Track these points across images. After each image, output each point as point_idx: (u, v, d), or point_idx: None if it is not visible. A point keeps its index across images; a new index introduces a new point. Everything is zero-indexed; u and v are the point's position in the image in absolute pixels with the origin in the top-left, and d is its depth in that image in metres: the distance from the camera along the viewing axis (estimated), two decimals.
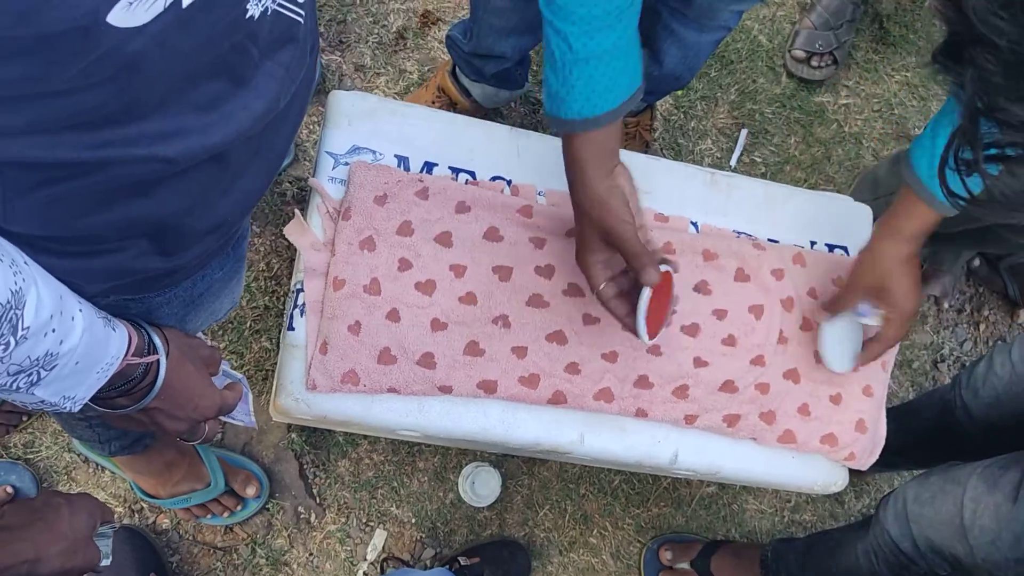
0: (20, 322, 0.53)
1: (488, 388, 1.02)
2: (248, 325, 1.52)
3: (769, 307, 1.11)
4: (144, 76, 0.49)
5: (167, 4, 0.46)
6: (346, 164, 1.05)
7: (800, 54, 1.82)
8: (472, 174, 1.09)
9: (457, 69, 1.52)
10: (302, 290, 1.01)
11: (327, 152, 1.05)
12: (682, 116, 1.78)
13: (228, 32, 0.54)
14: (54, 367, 0.58)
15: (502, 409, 1.05)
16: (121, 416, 0.73)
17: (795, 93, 1.85)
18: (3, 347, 0.53)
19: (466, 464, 1.54)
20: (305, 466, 1.50)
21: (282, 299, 1.54)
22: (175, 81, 0.52)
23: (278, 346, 1.40)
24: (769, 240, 1.17)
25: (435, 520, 1.53)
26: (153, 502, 1.39)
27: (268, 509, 1.47)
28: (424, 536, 1.52)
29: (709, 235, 1.13)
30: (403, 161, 1.07)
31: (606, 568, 1.58)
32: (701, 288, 1.10)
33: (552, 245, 1.07)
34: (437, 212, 1.04)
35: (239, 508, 1.42)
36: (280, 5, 0.59)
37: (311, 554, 1.47)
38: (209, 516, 1.41)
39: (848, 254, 1.20)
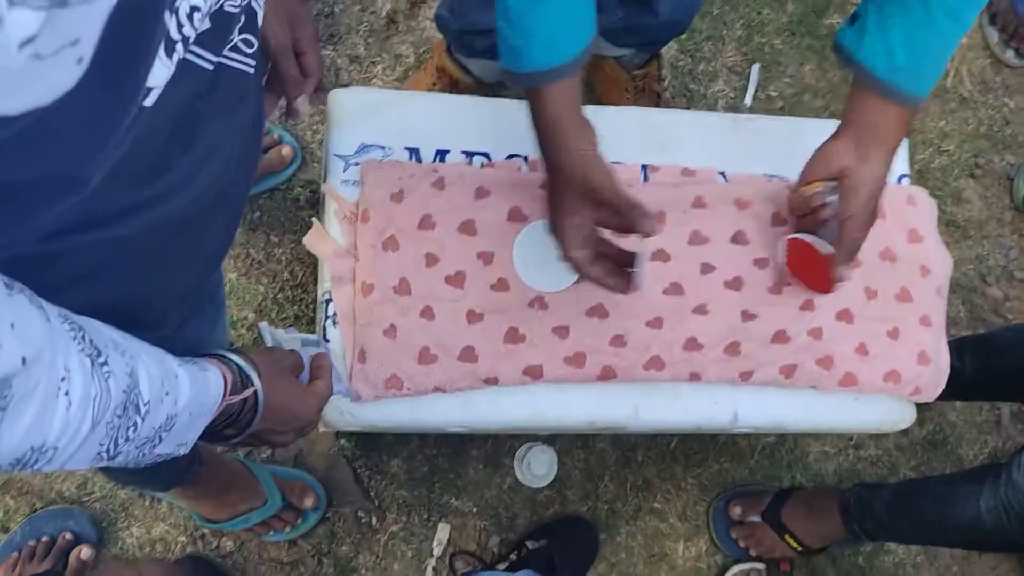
0: (140, 399, 0.52)
1: (534, 374, 0.99)
2: None
3: None
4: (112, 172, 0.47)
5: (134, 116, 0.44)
6: (356, 164, 1.01)
7: None
8: (487, 155, 1.05)
9: (451, 47, 1.47)
10: (331, 300, 0.98)
11: (335, 155, 1.02)
12: (690, 60, 1.72)
13: (187, 102, 0.51)
14: (173, 426, 0.57)
15: (551, 392, 1.02)
16: (233, 444, 0.73)
17: (803, 19, 1.78)
18: (132, 428, 0.52)
19: (519, 446, 1.52)
20: (359, 470, 1.48)
21: (310, 306, 1.51)
22: (136, 161, 0.49)
23: None
24: None
25: (496, 506, 1.51)
26: (214, 527, 1.38)
27: (328, 518, 1.46)
28: (487, 524, 1.50)
29: (740, 183, 1.09)
30: (414, 153, 1.03)
31: (675, 531, 1.55)
32: (739, 239, 1.06)
33: None
34: (457, 201, 1.00)
35: (299, 521, 1.41)
36: (228, 56, 0.56)
37: (377, 557, 1.46)
38: (271, 533, 1.40)
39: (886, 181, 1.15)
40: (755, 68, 1.73)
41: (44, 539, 1.33)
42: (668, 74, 1.69)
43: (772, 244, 1.06)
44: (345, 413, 0.97)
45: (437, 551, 1.48)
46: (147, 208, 0.54)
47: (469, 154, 1.04)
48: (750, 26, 1.75)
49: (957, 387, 1.24)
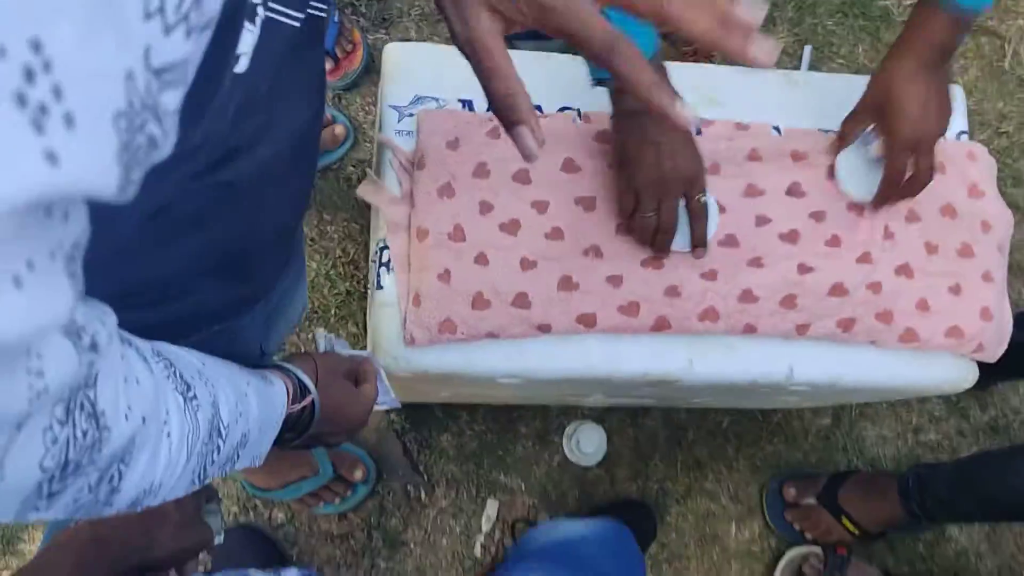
0: (221, 424, 0.54)
1: (587, 322, 0.99)
2: (333, 312, 1.51)
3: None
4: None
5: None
6: (411, 115, 1.03)
7: None
8: (539, 108, 1.05)
9: None
10: (386, 247, 0.99)
11: (390, 106, 1.03)
12: None
13: (278, 59, 0.52)
14: (247, 443, 0.59)
15: (604, 343, 1.01)
16: (293, 447, 0.76)
17: (856, 0, 1.77)
18: (216, 451, 0.54)
19: (568, 423, 1.51)
20: (408, 444, 1.48)
21: (362, 282, 1.53)
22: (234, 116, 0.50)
23: (365, 330, 1.38)
24: None
25: (544, 484, 1.50)
26: (266, 496, 1.39)
27: (378, 492, 1.46)
28: (536, 501, 1.49)
29: (795, 136, 1.08)
30: (467, 104, 1.04)
31: (726, 512, 1.53)
32: (794, 191, 1.05)
33: None
34: (511, 150, 0.99)
35: (349, 494, 1.42)
36: (312, 7, 0.57)
37: (426, 531, 1.46)
38: (322, 504, 1.41)
39: (945, 137, 1.13)
40: (807, 49, 1.72)
41: None
42: (718, 54, 1.69)
43: (828, 196, 1.05)
44: (399, 359, 0.97)
45: (486, 527, 1.47)
46: (244, 152, 0.55)
47: None
48: (802, 7, 1.75)
49: (1020, 363, 1.21)
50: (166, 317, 0.62)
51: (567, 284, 0.99)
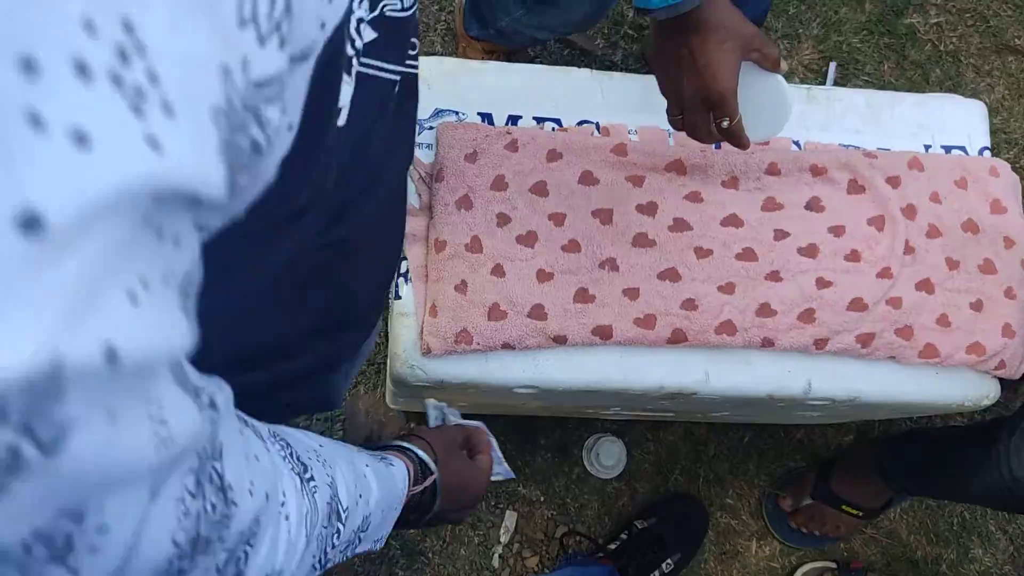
0: (340, 506, 0.54)
1: (603, 334, 0.99)
2: None
3: (890, 217, 1.05)
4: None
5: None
6: (431, 128, 1.04)
7: None
8: (558, 122, 1.06)
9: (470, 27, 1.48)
10: (404, 258, 1.00)
11: None
12: None
13: (376, 113, 0.54)
14: (368, 526, 0.59)
15: (620, 355, 1.01)
16: (418, 528, 0.75)
17: (882, 18, 1.76)
18: (336, 535, 0.54)
19: (588, 437, 1.51)
20: None
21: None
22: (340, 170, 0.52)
23: (387, 339, 1.39)
24: (879, 149, 1.10)
25: (564, 496, 1.50)
26: None
27: None
28: (555, 513, 1.49)
29: (815, 151, 1.08)
30: (487, 118, 1.05)
31: (747, 528, 1.52)
32: (813, 206, 1.05)
33: (651, 181, 1.03)
34: (529, 163, 1.02)
35: None
36: (408, 65, 0.58)
37: (444, 542, 1.46)
38: None
39: (967, 152, 1.12)
40: (832, 66, 1.71)
41: None
42: None
43: (848, 211, 1.05)
44: (416, 368, 0.98)
45: (504, 538, 1.47)
46: (353, 208, 0.57)
47: (540, 120, 1.06)
48: (827, 25, 1.74)
49: None
50: (279, 377, 0.62)
51: (583, 296, 0.99)
